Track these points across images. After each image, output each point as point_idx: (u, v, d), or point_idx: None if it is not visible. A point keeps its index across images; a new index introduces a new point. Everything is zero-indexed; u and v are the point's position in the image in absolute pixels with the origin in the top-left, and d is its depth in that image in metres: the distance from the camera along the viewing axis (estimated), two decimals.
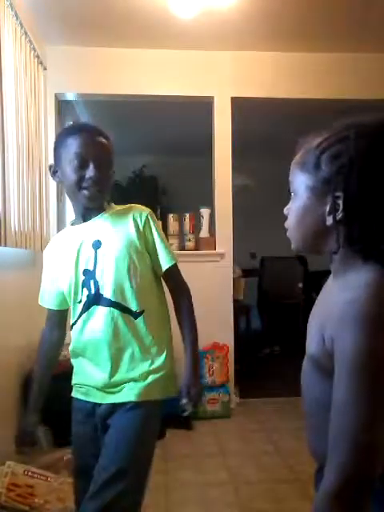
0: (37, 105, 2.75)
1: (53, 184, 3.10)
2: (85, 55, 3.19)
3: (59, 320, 1.43)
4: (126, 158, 5.01)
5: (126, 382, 1.27)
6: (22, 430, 1.43)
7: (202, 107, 3.40)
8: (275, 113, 3.96)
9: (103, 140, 1.29)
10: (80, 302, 1.30)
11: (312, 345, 0.76)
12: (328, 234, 0.75)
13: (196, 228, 3.40)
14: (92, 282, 1.27)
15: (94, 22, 2.89)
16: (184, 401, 1.30)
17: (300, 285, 4.89)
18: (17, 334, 2.34)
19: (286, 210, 0.83)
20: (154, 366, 1.29)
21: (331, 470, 0.65)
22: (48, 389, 1.43)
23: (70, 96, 3.36)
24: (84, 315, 1.29)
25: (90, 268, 1.28)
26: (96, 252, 1.28)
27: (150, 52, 3.23)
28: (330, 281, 0.83)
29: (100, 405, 1.29)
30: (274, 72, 3.32)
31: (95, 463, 1.21)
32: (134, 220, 1.31)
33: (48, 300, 1.41)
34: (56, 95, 3.20)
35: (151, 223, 1.33)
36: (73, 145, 1.24)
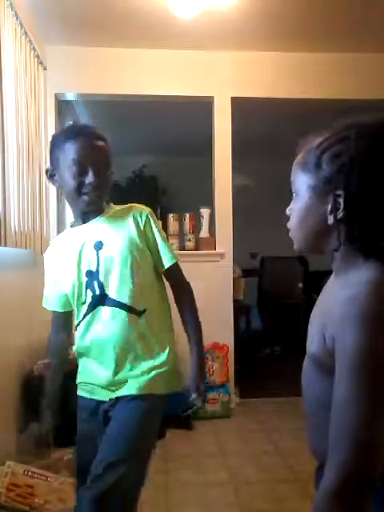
0: (37, 105, 2.75)
1: None
2: (85, 55, 3.19)
3: (64, 322, 1.43)
4: (126, 158, 5.02)
5: (128, 378, 1.28)
6: (38, 433, 1.43)
7: (202, 107, 3.40)
8: (275, 113, 3.96)
9: (101, 143, 1.29)
10: (84, 303, 1.30)
11: (313, 344, 0.77)
12: (330, 233, 0.75)
13: (196, 228, 3.40)
14: (96, 283, 1.28)
15: (94, 22, 2.89)
16: (193, 395, 1.32)
17: (300, 285, 4.89)
18: (17, 334, 2.34)
19: (288, 211, 0.84)
20: (156, 362, 1.30)
21: (331, 468, 0.65)
22: (61, 390, 1.43)
23: (70, 96, 3.36)
24: (89, 316, 1.30)
25: (93, 269, 1.28)
26: (98, 253, 1.28)
27: (150, 52, 3.23)
28: (331, 279, 0.84)
29: (104, 402, 1.30)
30: (274, 72, 3.32)
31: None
32: (135, 219, 1.32)
33: (52, 303, 1.41)
34: (56, 95, 3.20)
35: (152, 222, 1.34)
36: (71, 150, 1.24)
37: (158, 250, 1.34)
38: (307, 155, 0.78)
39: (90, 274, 1.28)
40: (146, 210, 1.36)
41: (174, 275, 1.39)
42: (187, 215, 3.39)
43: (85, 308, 1.31)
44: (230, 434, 2.90)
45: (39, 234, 2.71)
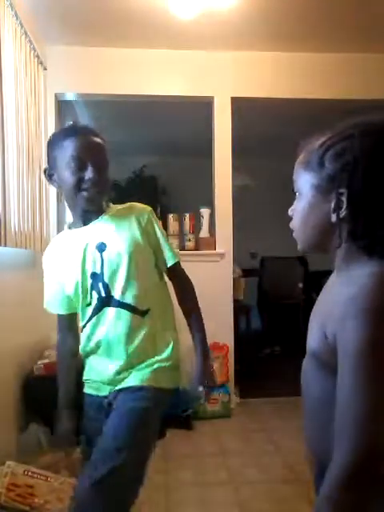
0: (37, 105, 2.75)
1: None
2: (85, 55, 3.19)
3: (70, 323, 1.43)
4: (126, 157, 5.02)
5: (132, 372, 1.29)
6: (57, 435, 1.42)
7: (202, 107, 3.40)
8: (275, 113, 3.96)
9: (99, 141, 1.29)
10: (89, 304, 1.31)
11: (313, 342, 0.77)
12: (334, 231, 0.76)
13: (196, 228, 3.40)
14: (101, 285, 1.28)
15: (94, 22, 2.89)
16: (200, 388, 1.33)
17: (300, 285, 4.88)
18: (17, 334, 2.34)
19: (290, 211, 0.84)
20: (160, 358, 1.32)
21: (339, 457, 0.66)
22: (76, 390, 1.42)
23: (70, 96, 3.35)
24: (94, 318, 1.31)
25: (98, 271, 1.28)
26: (102, 255, 1.28)
27: (150, 52, 3.23)
28: (332, 277, 0.84)
29: (107, 397, 1.31)
30: (274, 72, 3.32)
31: None
32: (137, 219, 1.32)
33: (56, 306, 1.40)
34: (56, 95, 3.20)
35: (153, 222, 1.35)
36: (69, 147, 1.24)
37: (161, 249, 1.36)
38: (310, 154, 0.78)
39: (94, 275, 1.29)
40: (147, 209, 1.37)
41: (177, 274, 1.41)
42: (187, 215, 3.39)
43: (90, 310, 1.31)
44: (230, 434, 2.90)
45: (39, 233, 2.71)
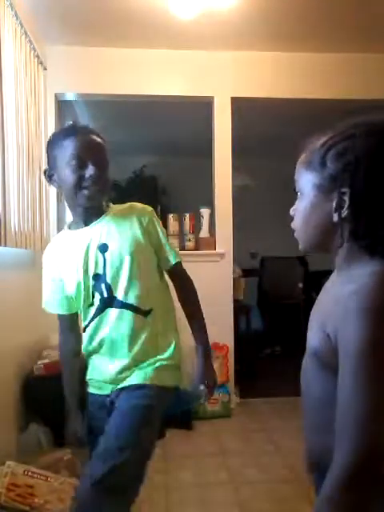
0: (37, 105, 2.75)
1: None
2: (85, 55, 3.19)
3: (71, 324, 1.42)
4: (126, 157, 5.02)
5: (135, 371, 1.30)
6: (69, 435, 1.42)
7: (202, 107, 3.40)
8: (275, 113, 3.96)
9: (99, 140, 1.29)
10: (92, 305, 1.31)
11: (314, 341, 0.77)
12: (335, 231, 0.76)
13: (196, 228, 3.40)
14: (103, 286, 1.28)
15: (94, 22, 2.89)
16: (201, 387, 1.34)
17: (300, 285, 4.88)
18: (17, 334, 2.34)
19: (292, 211, 0.84)
20: (162, 357, 1.32)
21: (340, 458, 0.66)
22: (81, 390, 1.42)
23: (70, 96, 3.35)
24: (97, 319, 1.31)
25: (100, 272, 1.28)
26: (104, 256, 1.28)
27: (150, 52, 3.23)
28: (332, 277, 0.84)
29: (110, 395, 1.31)
30: (274, 72, 3.32)
31: None
32: (138, 220, 1.32)
33: (56, 306, 1.39)
34: (56, 95, 3.20)
35: (155, 222, 1.35)
36: (69, 146, 1.24)
37: (162, 249, 1.36)
38: (311, 154, 0.78)
39: (96, 276, 1.29)
40: (148, 209, 1.37)
41: (178, 274, 1.42)
42: (187, 215, 3.39)
43: (93, 310, 1.31)
44: (230, 434, 2.90)
45: (39, 233, 2.71)
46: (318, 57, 3.32)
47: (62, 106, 3.36)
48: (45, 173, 1.32)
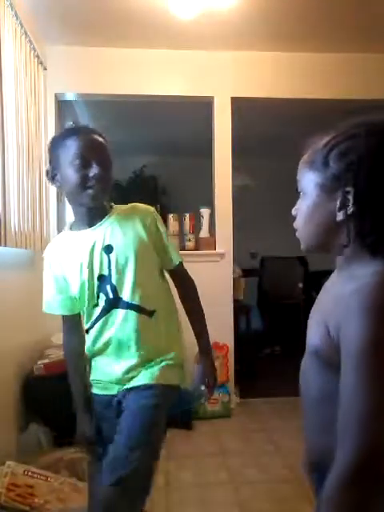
0: (37, 105, 2.75)
1: None
2: (85, 55, 3.19)
3: (75, 323, 1.42)
4: (126, 157, 5.01)
5: (141, 371, 1.31)
6: (78, 436, 1.43)
7: (202, 107, 3.40)
8: (275, 113, 3.96)
9: (102, 140, 1.29)
10: (97, 305, 1.31)
11: (314, 339, 0.77)
12: (338, 230, 0.76)
13: (196, 228, 3.40)
14: (109, 287, 1.29)
15: (94, 22, 2.89)
16: (202, 388, 1.35)
17: (300, 285, 4.88)
18: (17, 334, 2.34)
19: (294, 211, 0.84)
20: (166, 357, 1.33)
21: (342, 456, 0.66)
22: (87, 390, 1.42)
23: (70, 96, 3.35)
24: (102, 319, 1.31)
25: (105, 273, 1.28)
26: (109, 257, 1.28)
27: (150, 52, 3.23)
28: (333, 277, 0.84)
29: (116, 395, 1.32)
30: (274, 72, 3.32)
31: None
32: (142, 221, 1.32)
33: (56, 307, 1.38)
34: (56, 95, 3.20)
35: (158, 223, 1.36)
36: (73, 146, 1.24)
37: (165, 249, 1.37)
38: (314, 154, 0.78)
39: (102, 277, 1.29)
40: (151, 209, 1.38)
41: (180, 274, 1.43)
42: (187, 215, 3.39)
43: (98, 311, 1.31)
44: (230, 434, 2.90)
45: (39, 233, 2.71)
46: (318, 57, 3.32)
47: (62, 106, 3.36)
48: (47, 173, 1.31)
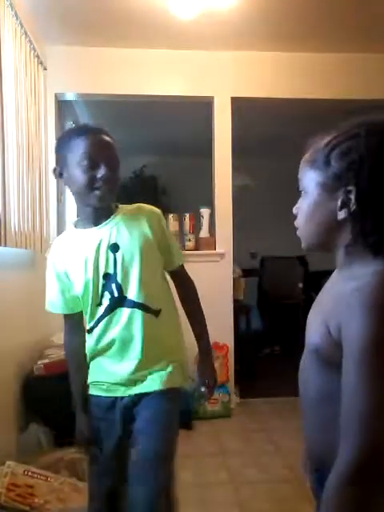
0: (37, 105, 2.75)
1: (53, 184, 3.10)
2: (85, 55, 3.19)
3: (78, 323, 1.41)
4: (126, 157, 4.99)
5: (148, 375, 1.31)
6: (77, 436, 1.43)
7: (202, 107, 3.40)
8: (275, 113, 3.96)
9: (110, 140, 1.29)
10: (100, 304, 1.30)
11: (315, 337, 0.77)
12: (339, 229, 0.77)
13: (196, 228, 3.40)
14: (114, 286, 1.28)
15: (94, 22, 2.89)
16: (202, 389, 1.35)
17: (300, 285, 4.88)
18: (17, 334, 2.34)
19: (295, 210, 0.84)
20: (171, 357, 1.34)
21: (344, 454, 0.66)
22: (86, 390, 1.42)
23: (70, 96, 3.35)
24: (106, 318, 1.30)
25: (111, 272, 1.28)
26: (115, 256, 1.28)
27: (150, 52, 3.23)
28: (333, 277, 0.85)
29: (122, 398, 1.31)
30: (274, 72, 3.32)
31: (114, 456, 1.29)
32: (147, 221, 1.33)
33: (59, 306, 1.37)
34: (56, 95, 3.20)
35: (163, 224, 1.37)
36: (80, 146, 1.23)
37: (169, 250, 1.37)
38: (316, 153, 0.79)
39: (107, 276, 1.28)
40: (156, 210, 1.39)
41: (181, 275, 1.44)
42: (187, 215, 3.39)
43: (101, 310, 1.30)
44: (230, 434, 2.90)
45: (39, 233, 2.71)
46: (318, 57, 3.32)
47: (62, 106, 3.36)
48: (54, 171, 1.30)
